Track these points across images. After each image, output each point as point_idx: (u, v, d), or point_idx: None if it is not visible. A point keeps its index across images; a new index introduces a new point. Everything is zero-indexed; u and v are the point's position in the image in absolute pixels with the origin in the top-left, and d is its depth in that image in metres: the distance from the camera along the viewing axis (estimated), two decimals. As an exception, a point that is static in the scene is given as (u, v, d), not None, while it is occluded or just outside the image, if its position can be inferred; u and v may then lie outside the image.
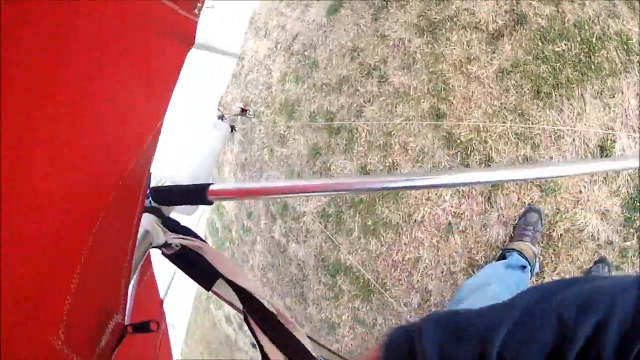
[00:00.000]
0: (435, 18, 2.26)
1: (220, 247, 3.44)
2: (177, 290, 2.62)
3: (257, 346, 0.60)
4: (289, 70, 2.78)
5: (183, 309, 4.01)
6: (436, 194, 2.07)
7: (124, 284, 0.58)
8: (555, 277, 1.91)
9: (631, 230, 1.83)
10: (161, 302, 1.38)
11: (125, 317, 0.59)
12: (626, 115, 1.87)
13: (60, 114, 0.33)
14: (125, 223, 0.59)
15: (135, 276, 0.74)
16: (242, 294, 0.65)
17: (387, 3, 2.43)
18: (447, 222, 2.06)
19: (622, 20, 1.92)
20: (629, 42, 1.90)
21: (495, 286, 1.41)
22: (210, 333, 4.35)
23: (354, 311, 2.42)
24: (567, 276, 1.88)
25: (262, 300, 0.62)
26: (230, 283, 0.67)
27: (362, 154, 2.27)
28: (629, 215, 1.83)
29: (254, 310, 0.62)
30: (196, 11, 0.66)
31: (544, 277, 1.92)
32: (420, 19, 2.30)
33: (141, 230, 0.71)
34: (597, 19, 1.94)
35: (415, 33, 2.29)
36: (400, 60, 2.28)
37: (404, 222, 2.17)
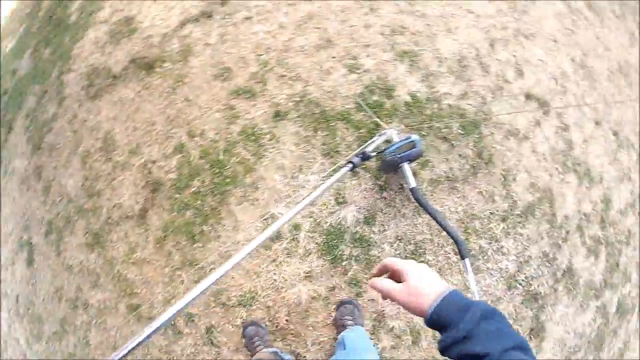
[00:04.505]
0: (95, 228, 2.62)
1: None
2: None
3: None
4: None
5: None
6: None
7: None
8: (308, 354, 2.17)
9: (343, 262, 2.14)
10: None
11: None
12: (277, 191, 2.25)
13: None
14: None
15: None
16: None
17: (61, 234, 2.76)
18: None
19: (244, 115, 2.26)
20: (254, 130, 2.25)
21: None
22: None
23: None
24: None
25: None
26: None
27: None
28: (331, 257, 2.13)
29: None
30: None
31: None
32: (86, 236, 2.65)
33: None
34: (217, 135, 2.31)
35: (88, 251, 2.63)
36: (89, 281, 2.62)
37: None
